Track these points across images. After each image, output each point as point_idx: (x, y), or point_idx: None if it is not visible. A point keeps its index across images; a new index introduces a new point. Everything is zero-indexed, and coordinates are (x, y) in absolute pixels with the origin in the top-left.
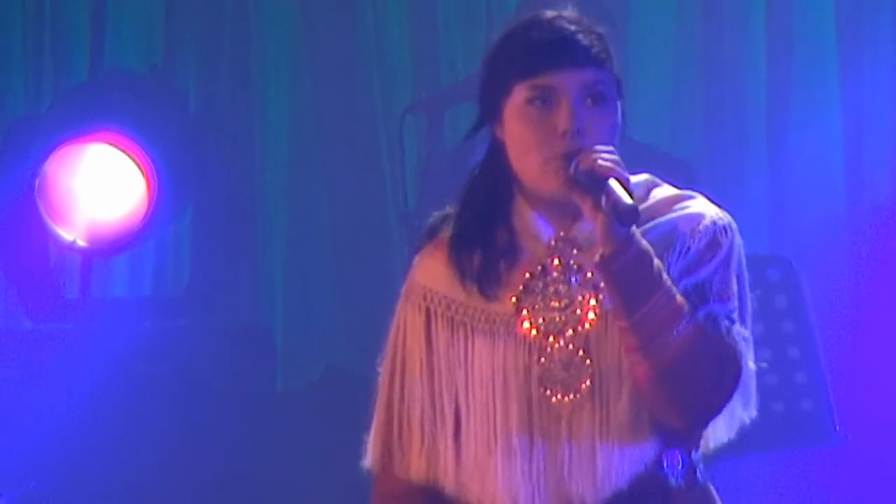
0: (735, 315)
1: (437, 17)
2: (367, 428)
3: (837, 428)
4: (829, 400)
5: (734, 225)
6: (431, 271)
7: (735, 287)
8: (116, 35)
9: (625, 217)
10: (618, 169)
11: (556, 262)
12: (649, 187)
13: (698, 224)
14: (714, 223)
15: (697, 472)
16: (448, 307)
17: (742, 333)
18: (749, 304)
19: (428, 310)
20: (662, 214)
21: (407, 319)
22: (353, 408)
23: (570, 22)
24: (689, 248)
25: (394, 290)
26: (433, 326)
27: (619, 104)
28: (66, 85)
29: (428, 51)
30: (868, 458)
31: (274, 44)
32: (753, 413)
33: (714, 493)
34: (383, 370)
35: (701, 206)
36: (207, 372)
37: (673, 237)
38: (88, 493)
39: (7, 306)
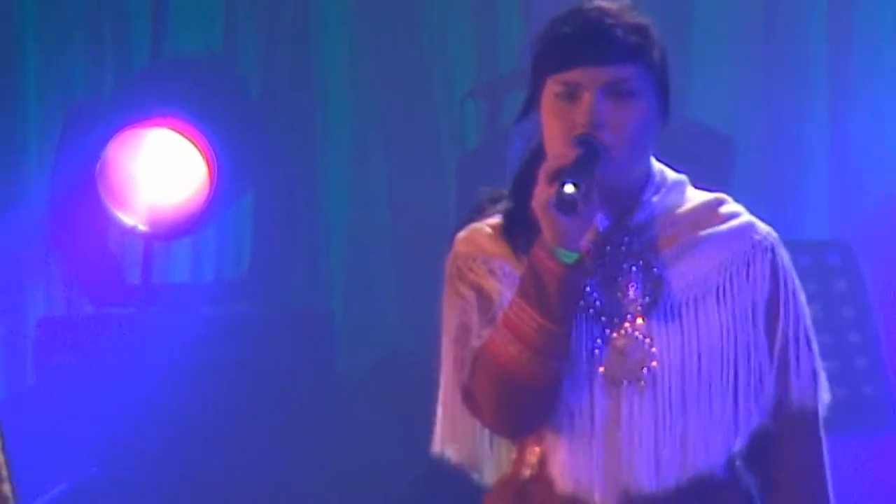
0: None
1: (498, 4)
2: (425, 413)
3: None
4: (889, 385)
5: (779, 238)
6: (481, 242)
7: (807, 316)
8: (177, 21)
9: (562, 207)
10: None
11: (608, 248)
12: (684, 187)
13: (757, 240)
14: (767, 238)
15: (737, 462)
16: (506, 271)
17: (820, 372)
18: (810, 324)
19: (480, 284)
20: (708, 224)
21: (463, 293)
22: (412, 393)
23: (606, 14)
24: (753, 263)
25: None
26: (486, 300)
27: (651, 98)
28: (127, 71)
29: (488, 35)
30: None
31: (334, 30)
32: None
33: (753, 495)
34: (444, 353)
35: (745, 216)
36: (268, 356)
37: (727, 252)
38: (148, 478)
39: (69, 291)
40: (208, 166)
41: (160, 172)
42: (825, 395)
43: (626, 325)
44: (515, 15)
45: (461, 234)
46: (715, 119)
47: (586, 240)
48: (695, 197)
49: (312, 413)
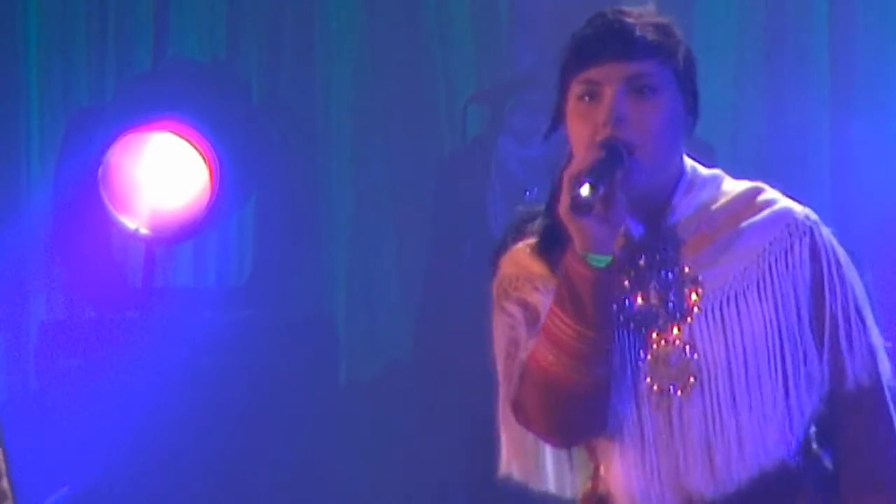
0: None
1: (500, 5)
2: (430, 420)
3: None
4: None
5: (819, 219)
6: (524, 263)
7: (858, 292)
8: (179, 25)
9: (576, 209)
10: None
11: (644, 255)
12: (719, 182)
13: (793, 224)
14: (805, 220)
15: (812, 446)
16: (550, 289)
17: (879, 346)
18: (865, 299)
19: (525, 300)
20: (744, 216)
21: (510, 310)
22: (414, 400)
23: (626, 15)
24: (791, 248)
25: (457, 282)
26: (532, 314)
27: (675, 96)
28: (130, 75)
29: (491, 39)
30: None
31: (336, 34)
32: None
33: (828, 468)
34: (499, 373)
35: (782, 202)
36: (270, 363)
37: (763, 242)
38: (150, 482)
39: (71, 295)
40: (210, 170)
41: (162, 176)
42: (888, 369)
43: (667, 332)
44: (518, 19)
45: (504, 257)
46: (716, 119)
47: (617, 246)
48: (731, 189)
49: (314, 420)
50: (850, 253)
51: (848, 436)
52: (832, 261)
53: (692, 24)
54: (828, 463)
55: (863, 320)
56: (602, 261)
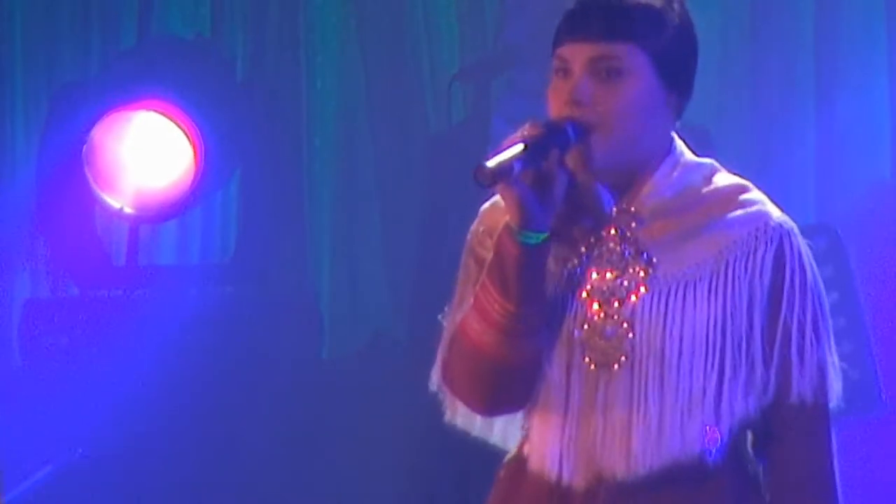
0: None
1: None
2: (410, 392)
3: (883, 397)
4: (874, 369)
5: (796, 228)
6: (496, 217)
7: (819, 306)
8: (164, 2)
9: (474, 176)
10: (518, 140)
11: (612, 231)
12: (711, 172)
13: (763, 227)
14: (779, 226)
15: (738, 452)
16: None
17: (830, 364)
18: (826, 315)
19: (484, 257)
20: (721, 210)
21: (470, 265)
22: (397, 376)
23: None
24: (755, 251)
25: (440, 257)
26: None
27: (650, 80)
28: (114, 52)
29: (475, 18)
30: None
31: (321, 11)
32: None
33: (757, 476)
34: (449, 315)
35: (761, 206)
36: (254, 339)
37: (734, 236)
38: (134, 459)
39: (55, 274)
40: (195, 149)
41: (147, 155)
42: (837, 388)
43: (609, 307)
44: None
45: (483, 208)
46: (703, 106)
47: (553, 220)
48: (719, 181)
49: (297, 395)
50: (835, 233)
51: (783, 449)
52: (797, 271)
53: None
54: (752, 469)
55: (818, 336)
56: (533, 237)
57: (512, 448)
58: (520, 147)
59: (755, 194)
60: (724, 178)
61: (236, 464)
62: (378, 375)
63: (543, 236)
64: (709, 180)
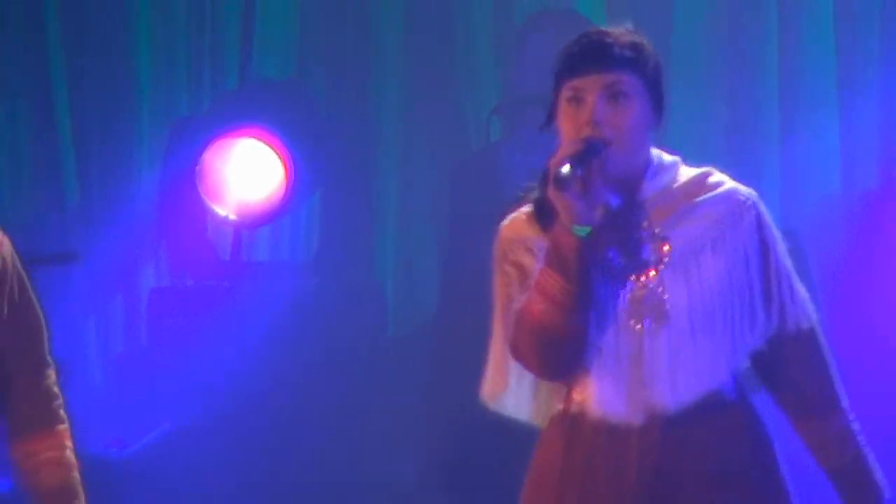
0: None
1: (514, 29)
2: (463, 364)
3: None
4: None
5: (757, 195)
6: (519, 228)
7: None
8: (261, 51)
9: (557, 184)
10: (564, 158)
11: (622, 222)
12: (677, 167)
13: (742, 201)
14: (749, 197)
15: (743, 387)
16: (539, 247)
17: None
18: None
19: (519, 262)
20: (700, 193)
21: (506, 269)
22: (446, 351)
23: (606, 35)
24: (741, 218)
25: (479, 254)
26: (524, 273)
27: (644, 101)
28: (220, 92)
29: (508, 62)
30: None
31: (387, 59)
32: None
33: (757, 407)
34: (495, 319)
35: (729, 183)
36: (332, 320)
37: (717, 212)
38: (239, 417)
39: (175, 268)
40: (285, 169)
41: (247, 174)
42: (814, 314)
43: (642, 279)
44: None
45: (504, 223)
46: (690, 120)
47: (598, 216)
48: (686, 173)
49: (370, 363)
50: (796, 237)
51: (790, 369)
52: (772, 230)
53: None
54: (755, 400)
55: (794, 277)
56: (583, 230)
57: (525, 418)
58: (568, 162)
59: (719, 176)
60: (688, 171)
61: (320, 420)
62: (432, 349)
63: (590, 229)
64: (679, 173)
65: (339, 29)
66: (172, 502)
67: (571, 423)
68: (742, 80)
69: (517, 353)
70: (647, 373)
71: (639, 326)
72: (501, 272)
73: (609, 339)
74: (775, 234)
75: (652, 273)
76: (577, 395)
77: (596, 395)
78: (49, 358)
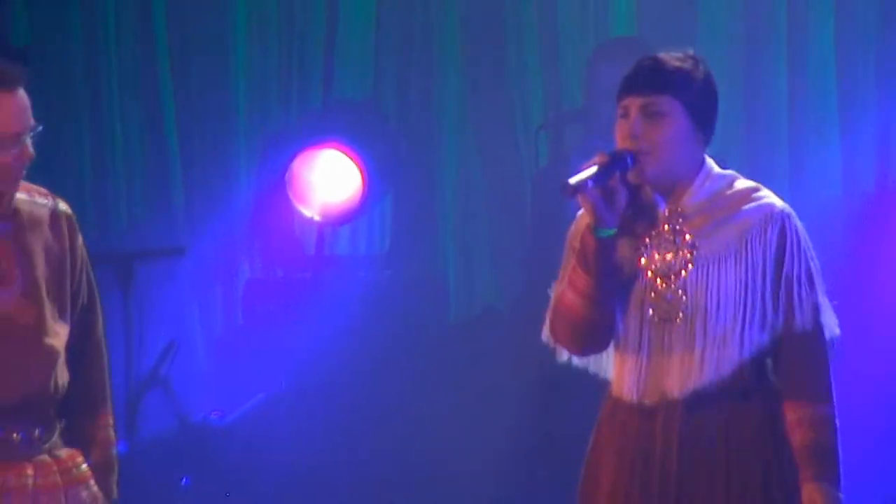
0: (817, 296)
1: (558, 53)
2: (514, 351)
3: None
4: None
5: (794, 213)
6: (581, 223)
7: (811, 265)
8: (341, 75)
9: (560, 189)
10: (594, 167)
11: (666, 227)
12: (732, 180)
13: (770, 213)
14: (781, 212)
15: (764, 375)
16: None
17: (823, 304)
18: (817, 270)
19: (577, 246)
20: (742, 204)
21: (569, 254)
22: (503, 337)
23: (655, 60)
24: (765, 231)
25: (525, 253)
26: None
27: (682, 119)
28: (307, 109)
29: (554, 82)
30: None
31: (447, 81)
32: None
33: (770, 394)
34: (557, 287)
35: (770, 198)
36: (402, 306)
37: (748, 223)
38: (319, 391)
39: (268, 261)
40: (362, 175)
41: (329, 180)
42: (832, 322)
43: (671, 279)
44: (574, 63)
45: (578, 214)
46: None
47: (619, 219)
48: (739, 185)
49: (434, 345)
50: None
51: (791, 364)
52: (794, 241)
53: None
54: (768, 390)
55: (811, 286)
56: (605, 233)
57: (603, 374)
58: (593, 169)
59: (765, 192)
60: (742, 183)
61: (391, 398)
62: (490, 336)
63: (612, 232)
64: (731, 185)
65: (407, 54)
66: (265, 464)
67: (614, 403)
68: (756, 97)
69: (552, 330)
70: (662, 361)
71: (657, 321)
72: (566, 255)
73: (634, 329)
74: (801, 246)
75: (680, 275)
76: (613, 379)
77: (620, 376)
78: (104, 347)
